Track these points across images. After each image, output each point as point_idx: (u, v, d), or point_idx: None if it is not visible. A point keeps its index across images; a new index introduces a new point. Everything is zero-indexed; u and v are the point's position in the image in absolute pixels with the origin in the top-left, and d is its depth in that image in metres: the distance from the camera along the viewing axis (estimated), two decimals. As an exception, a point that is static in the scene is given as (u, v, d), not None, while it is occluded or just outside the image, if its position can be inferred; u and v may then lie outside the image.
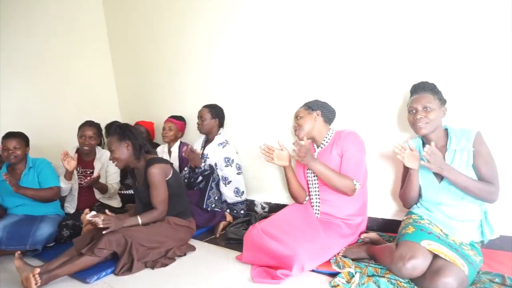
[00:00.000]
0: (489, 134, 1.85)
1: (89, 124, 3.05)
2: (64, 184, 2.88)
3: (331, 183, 2.05)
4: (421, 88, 1.89)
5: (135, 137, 2.38)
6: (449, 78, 2.04)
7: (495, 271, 1.73)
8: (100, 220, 2.13)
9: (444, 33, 2.05)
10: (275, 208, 2.87)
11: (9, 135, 2.69)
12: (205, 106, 3.16)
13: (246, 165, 3.15)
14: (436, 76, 2.05)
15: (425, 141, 1.92)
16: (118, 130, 2.37)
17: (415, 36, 2.15)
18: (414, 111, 1.86)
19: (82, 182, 3.03)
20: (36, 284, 1.93)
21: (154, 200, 2.34)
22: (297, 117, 2.28)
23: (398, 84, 2.22)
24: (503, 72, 1.91)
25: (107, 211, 2.26)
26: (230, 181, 3.00)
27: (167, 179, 2.40)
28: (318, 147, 2.25)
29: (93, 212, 2.21)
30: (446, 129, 1.89)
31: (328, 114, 2.24)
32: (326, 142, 2.21)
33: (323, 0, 2.48)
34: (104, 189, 3.02)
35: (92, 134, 3.03)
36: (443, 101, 1.88)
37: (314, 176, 2.22)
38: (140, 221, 2.29)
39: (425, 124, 1.81)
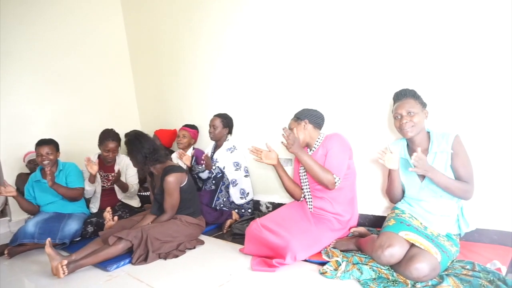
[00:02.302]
0: (467, 135, 1.97)
1: (111, 138, 3.22)
2: (88, 187, 3.14)
3: (313, 174, 2.19)
4: (403, 95, 1.99)
5: (138, 149, 2.52)
6: (432, 84, 2.17)
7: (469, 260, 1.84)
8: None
9: (426, 43, 2.18)
10: (278, 207, 3.00)
11: (42, 142, 2.94)
12: (218, 116, 3.30)
13: (252, 168, 3.32)
14: (422, 83, 2.19)
15: (409, 143, 2.03)
16: (128, 143, 2.58)
17: (403, 47, 2.29)
18: (399, 117, 1.95)
19: (105, 185, 3.29)
20: (63, 273, 2.15)
21: (166, 204, 2.55)
22: (290, 128, 2.40)
23: (387, 91, 2.33)
24: (479, 78, 2.03)
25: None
26: (237, 183, 3.18)
27: (181, 185, 2.58)
28: (310, 150, 2.39)
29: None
30: (428, 132, 1.99)
31: (315, 119, 2.36)
32: (317, 145, 2.35)
33: (323, 16, 2.65)
34: (125, 187, 3.25)
35: (115, 147, 3.25)
36: (424, 105, 1.98)
37: (304, 173, 2.37)
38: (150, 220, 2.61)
39: (411, 128, 1.91)
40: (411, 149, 2.02)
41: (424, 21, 2.17)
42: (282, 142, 2.27)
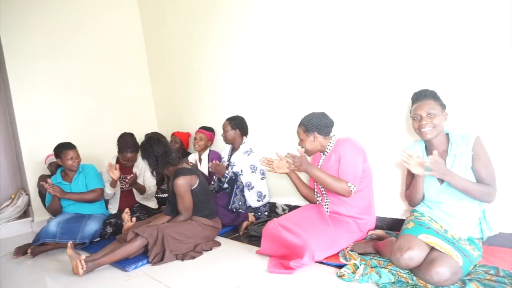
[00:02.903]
0: (488, 136, 1.91)
1: (130, 149, 3.25)
2: (109, 191, 3.21)
3: (327, 187, 2.17)
4: (423, 96, 1.92)
5: (149, 153, 2.56)
6: (450, 85, 2.12)
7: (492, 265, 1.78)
8: None
9: (445, 41, 2.13)
10: (294, 209, 2.98)
11: (70, 146, 3.02)
12: (226, 119, 3.33)
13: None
14: (438, 82, 2.13)
15: (428, 145, 1.97)
16: (141, 149, 2.63)
17: (421, 46, 2.24)
18: (418, 118, 1.89)
19: (123, 186, 3.32)
20: (82, 268, 2.19)
21: (180, 206, 2.57)
22: (298, 136, 2.35)
23: (406, 91, 2.29)
24: (500, 78, 1.97)
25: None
26: (253, 186, 3.17)
27: (192, 188, 2.58)
28: (323, 154, 2.36)
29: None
30: (447, 134, 1.93)
31: (324, 129, 2.28)
32: (329, 149, 2.31)
33: (338, 16, 2.64)
34: (142, 189, 3.29)
35: (133, 156, 3.31)
36: (443, 106, 1.92)
37: None
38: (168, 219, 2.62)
39: (430, 130, 1.85)
40: (429, 151, 1.96)
41: (440, 20, 2.13)
42: (289, 167, 2.25)
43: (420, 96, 1.94)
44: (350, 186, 2.13)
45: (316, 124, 2.26)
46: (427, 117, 1.86)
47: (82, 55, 4.23)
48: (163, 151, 2.58)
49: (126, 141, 3.25)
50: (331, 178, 2.15)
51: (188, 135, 4.14)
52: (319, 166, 2.36)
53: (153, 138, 2.62)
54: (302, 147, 2.34)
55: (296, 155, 2.20)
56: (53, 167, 3.44)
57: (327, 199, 2.33)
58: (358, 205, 2.24)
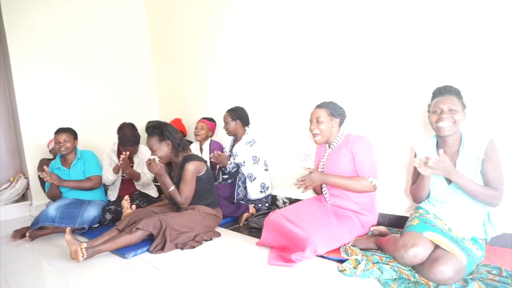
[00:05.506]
0: (497, 138, 1.87)
1: (130, 143, 3.22)
2: (111, 176, 3.18)
3: (349, 189, 2.17)
4: (447, 91, 1.85)
5: (173, 136, 2.57)
6: (463, 84, 2.03)
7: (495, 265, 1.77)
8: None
9: (459, 37, 2.08)
10: (295, 202, 2.97)
11: (60, 130, 3.00)
12: (226, 111, 3.29)
13: (269, 162, 3.28)
14: (451, 80, 2.07)
15: (440, 142, 1.91)
16: (157, 131, 2.55)
17: (432, 41, 2.19)
18: (438, 111, 1.81)
19: (125, 174, 3.30)
20: (82, 256, 2.17)
21: (181, 193, 2.55)
22: (317, 119, 2.27)
23: (415, 88, 2.26)
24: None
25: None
26: (255, 177, 3.14)
27: (199, 175, 2.58)
28: (329, 147, 2.34)
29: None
30: (460, 134, 1.87)
31: (343, 119, 2.34)
32: (337, 143, 2.29)
33: (344, 5, 2.59)
34: (136, 176, 3.25)
35: (133, 149, 3.30)
36: (464, 106, 1.86)
37: (323, 170, 2.32)
38: (172, 188, 2.56)
39: (450, 125, 1.78)
40: (440, 148, 1.90)
41: (455, 15, 2.08)
42: (303, 191, 2.25)
43: (444, 91, 1.87)
44: (371, 181, 2.14)
45: (340, 112, 2.31)
46: (448, 112, 1.79)
47: (85, 39, 4.19)
48: (179, 137, 2.62)
49: (126, 134, 3.21)
50: (350, 180, 2.15)
51: (179, 121, 4.11)
52: (324, 159, 2.32)
53: (168, 125, 2.62)
54: (319, 132, 2.25)
55: (304, 179, 2.19)
56: (55, 152, 3.42)
57: (327, 193, 2.31)
58: (361, 201, 2.22)
